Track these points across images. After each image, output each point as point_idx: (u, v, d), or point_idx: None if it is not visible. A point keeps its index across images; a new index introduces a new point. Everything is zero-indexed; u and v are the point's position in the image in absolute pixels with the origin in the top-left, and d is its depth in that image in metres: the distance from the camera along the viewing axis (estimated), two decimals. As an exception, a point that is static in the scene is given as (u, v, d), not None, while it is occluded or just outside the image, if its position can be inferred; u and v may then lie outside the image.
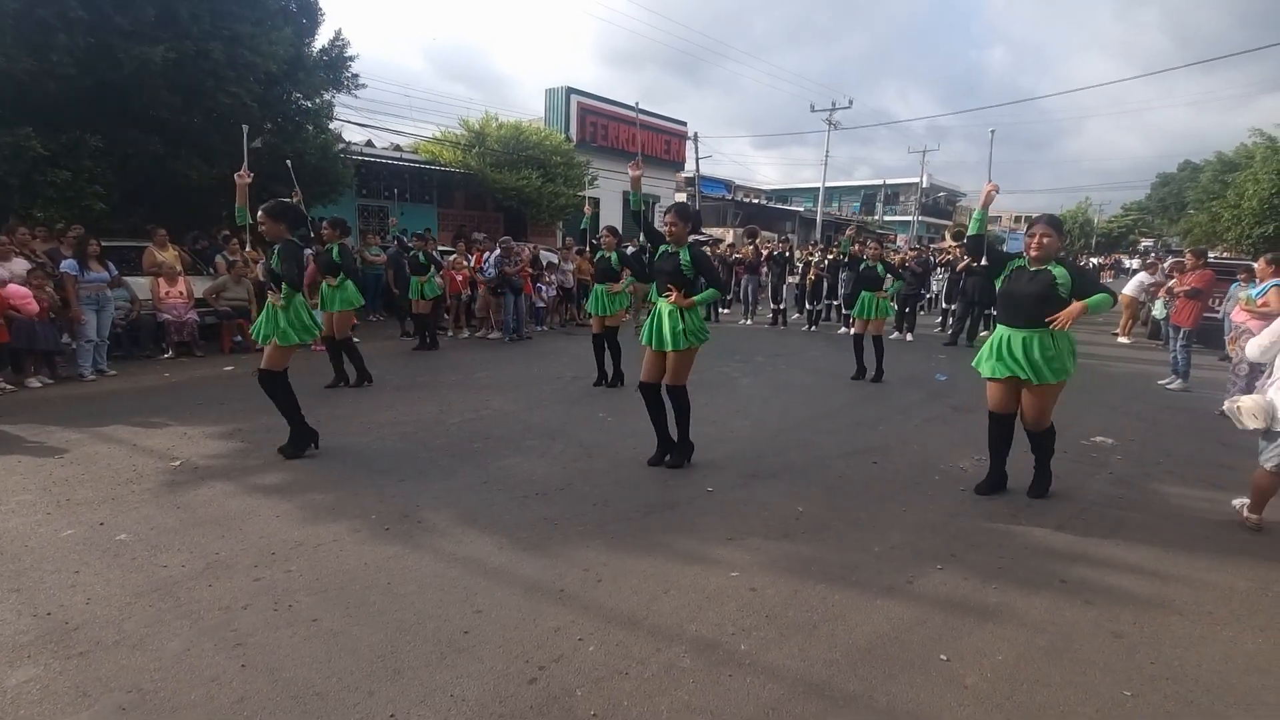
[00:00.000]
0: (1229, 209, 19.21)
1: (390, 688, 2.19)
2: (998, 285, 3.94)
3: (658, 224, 4.53)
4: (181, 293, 8.05)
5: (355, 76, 11.12)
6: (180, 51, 8.20)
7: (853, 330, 7.83)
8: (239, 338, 8.48)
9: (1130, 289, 12.54)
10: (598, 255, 7.13)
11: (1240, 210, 18.40)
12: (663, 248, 4.32)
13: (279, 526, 3.34)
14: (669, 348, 4.15)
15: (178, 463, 4.23)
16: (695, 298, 4.16)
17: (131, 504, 3.58)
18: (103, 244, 7.21)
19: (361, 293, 6.95)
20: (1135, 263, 29.48)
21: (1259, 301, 6.37)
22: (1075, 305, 3.50)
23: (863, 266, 7.64)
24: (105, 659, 2.30)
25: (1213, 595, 2.97)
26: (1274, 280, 6.41)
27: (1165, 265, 14.02)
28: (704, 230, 22.97)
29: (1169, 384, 7.89)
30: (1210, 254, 9.73)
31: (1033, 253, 3.73)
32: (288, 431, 4.43)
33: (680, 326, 4.12)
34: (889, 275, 7.43)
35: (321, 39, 10.70)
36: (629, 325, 10.73)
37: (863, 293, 7.40)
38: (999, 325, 3.92)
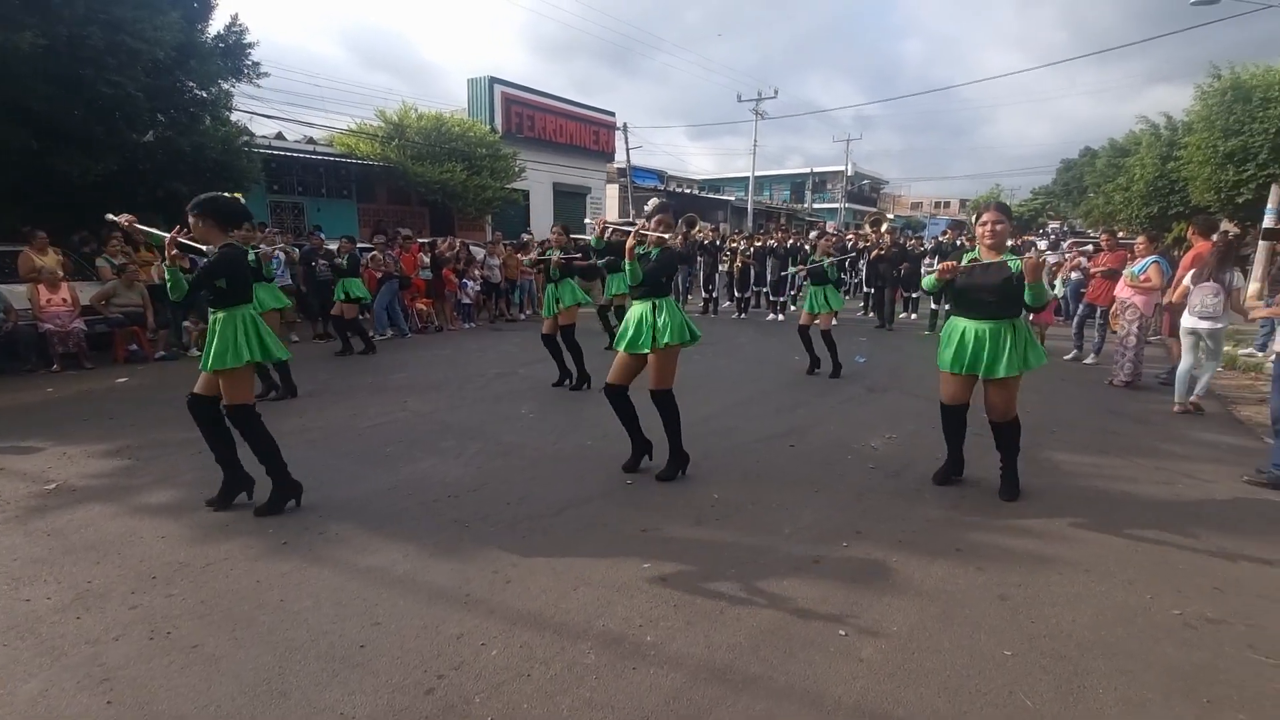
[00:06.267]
0: (1121, 191, 20.70)
1: (274, 712, 2.07)
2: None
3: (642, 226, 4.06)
4: (65, 300, 7.42)
5: (256, 65, 10.46)
6: (51, 37, 7.49)
7: (800, 322, 7.73)
8: (134, 346, 7.90)
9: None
10: (547, 254, 6.83)
11: (1130, 192, 19.85)
12: (649, 251, 3.97)
13: (163, 548, 3.12)
14: (647, 348, 3.90)
15: (52, 485, 3.89)
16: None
17: (-7, 534, 3.26)
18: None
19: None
20: (1044, 244, 31.34)
21: (1141, 277, 6.87)
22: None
23: (811, 261, 7.67)
24: (-55, 709, 2.08)
25: (1090, 553, 3.18)
26: (1154, 257, 6.93)
27: (1065, 245, 14.97)
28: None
29: (1069, 357, 8.44)
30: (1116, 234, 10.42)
31: (987, 241, 3.62)
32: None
33: (664, 323, 3.85)
34: (833, 268, 7.46)
35: (217, 24, 10.04)
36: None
37: (812, 287, 7.37)
38: (954, 317, 3.80)
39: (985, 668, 2.32)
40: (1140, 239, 7.16)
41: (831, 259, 7.50)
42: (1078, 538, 3.34)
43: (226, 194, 3.60)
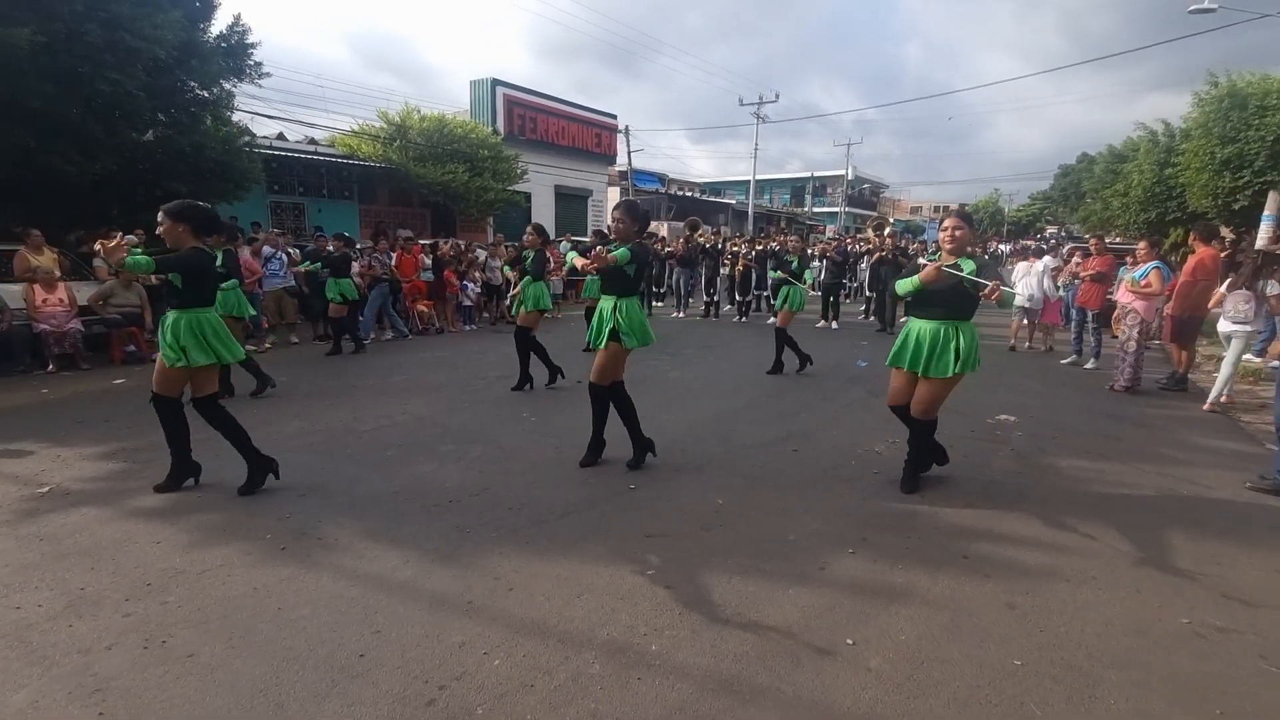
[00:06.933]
0: (1119, 197, 20.75)
1: (271, 723, 2.03)
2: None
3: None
4: (61, 300, 7.36)
5: (258, 65, 10.42)
6: (50, 35, 7.45)
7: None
8: (132, 347, 7.84)
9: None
10: (523, 255, 6.98)
11: (1128, 198, 19.89)
12: (609, 248, 4.15)
13: (159, 554, 3.07)
14: (600, 345, 4.09)
15: (45, 489, 3.83)
16: (615, 254, 3.96)
17: (-15, 539, 3.21)
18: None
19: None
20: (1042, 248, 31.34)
21: (1142, 283, 6.86)
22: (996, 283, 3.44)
23: (786, 259, 7.77)
24: (-66, 719, 2.03)
25: (1097, 561, 3.14)
26: (1154, 263, 6.92)
27: (1064, 250, 14.98)
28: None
29: (1068, 361, 8.41)
30: (1106, 239, 10.52)
31: (948, 246, 3.74)
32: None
33: (611, 325, 4.02)
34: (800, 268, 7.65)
35: (219, 24, 10.00)
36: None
37: (784, 286, 7.51)
38: (911, 318, 3.91)
39: (995, 678, 2.29)
40: (1141, 244, 7.15)
41: (791, 257, 7.70)
42: (1083, 545, 3.31)
43: (202, 204, 3.79)
